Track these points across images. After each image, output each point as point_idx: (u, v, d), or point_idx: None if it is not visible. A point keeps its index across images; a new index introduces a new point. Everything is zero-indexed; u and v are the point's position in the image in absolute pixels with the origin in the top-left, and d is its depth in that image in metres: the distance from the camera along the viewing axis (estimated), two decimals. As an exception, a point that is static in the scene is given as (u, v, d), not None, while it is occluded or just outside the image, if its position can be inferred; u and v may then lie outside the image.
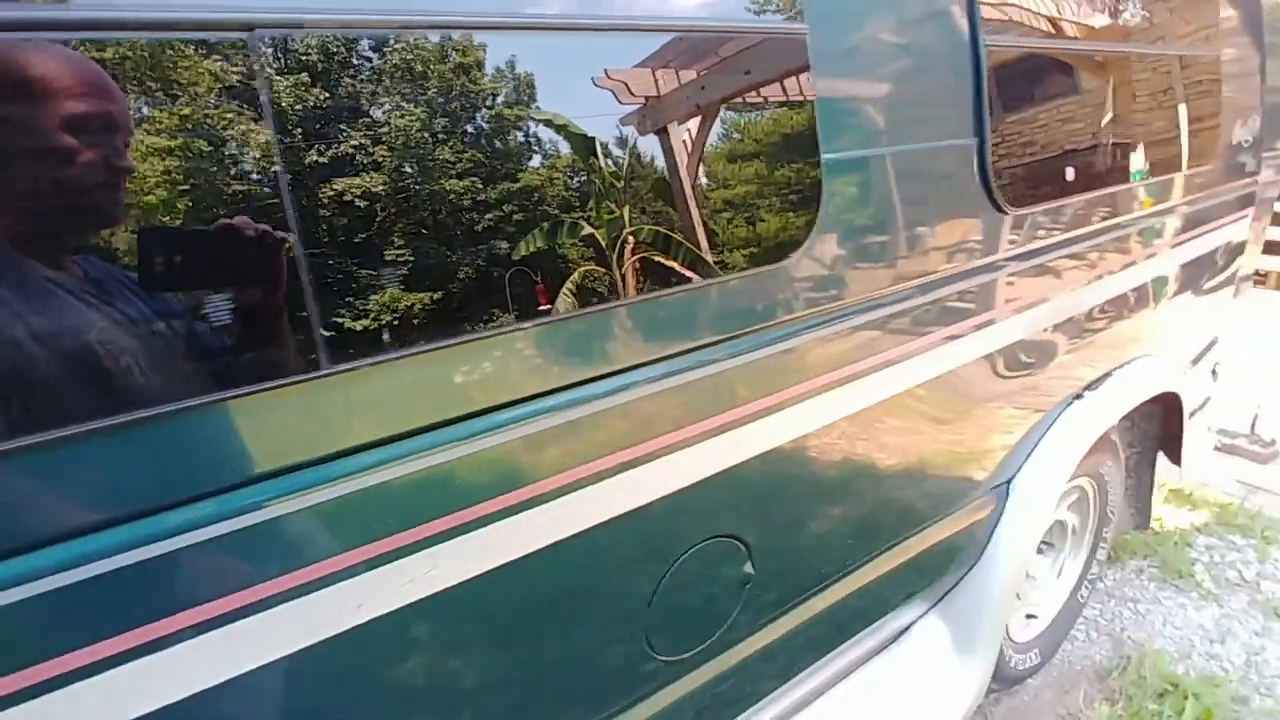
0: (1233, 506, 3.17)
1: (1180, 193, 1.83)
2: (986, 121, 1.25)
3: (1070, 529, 2.12)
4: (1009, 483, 1.59)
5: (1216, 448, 3.72)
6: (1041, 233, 1.41)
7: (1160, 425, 2.16)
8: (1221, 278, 2.28)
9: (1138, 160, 1.69)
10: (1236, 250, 2.31)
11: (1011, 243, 1.35)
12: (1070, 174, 1.48)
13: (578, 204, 0.86)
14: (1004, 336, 1.39)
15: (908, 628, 1.65)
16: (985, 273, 1.32)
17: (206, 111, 0.64)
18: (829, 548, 1.29)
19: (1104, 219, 1.57)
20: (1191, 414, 2.40)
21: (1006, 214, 1.32)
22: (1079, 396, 1.66)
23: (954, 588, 1.62)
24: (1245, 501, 3.22)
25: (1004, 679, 1.96)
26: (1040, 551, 2.15)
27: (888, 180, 1.15)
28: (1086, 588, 2.20)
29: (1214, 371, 2.57)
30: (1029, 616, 2.10)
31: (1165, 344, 1.96)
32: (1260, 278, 6.75)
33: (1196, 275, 2.05)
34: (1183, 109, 1.78)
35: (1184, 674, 2.23)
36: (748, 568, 1.12)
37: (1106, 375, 1.74)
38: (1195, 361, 2.29)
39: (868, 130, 1.12)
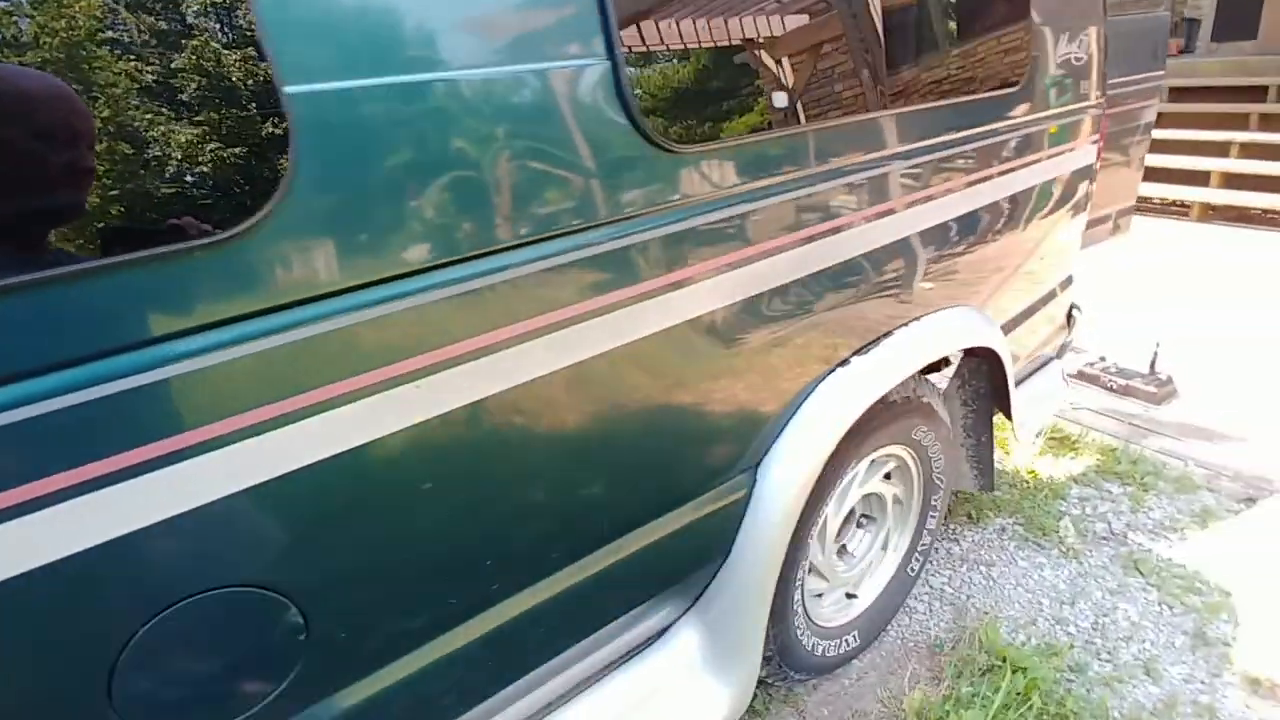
0: (1116, 452, 3.00)
1: (966, 121, 1.58)
2: (616, 37, 0.98)
3: (891, 500, 1.91)
4: (757, 466, 1.37)
5: (1112, 389, 3.55)
6: (739, 176, 1.16)
7: (990, 382, 1.95)
8: (1060, 215, 2.05)
9: (892, 83, 1.44)
10: (1075, 185, 2.07)
11: (690, 190, 1.10)
12: (783, 100, 1.23)
13: None
14: (711, 299, 1.15)
15: (664, 631, 1.45)
16: (649, 227, 1.07)
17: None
18: (535, 535, 1.08)
19: (845, 155, 1.32)
20: (1034, 367, 2.19)
21: (674, 153, 1.07)
22: (844, 363, 1.43)
23: (710, 585, 1.41)
24: (1130, 446, 3.05)
25: (809, 668, 1.77)
26: (860, 525, 1.95)
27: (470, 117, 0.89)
28: (918, 559, 2.01)
29: (1070, 316, 2.35)
30: (849, 596, 1.91)
31: (973, 295, 1.73)
32: (1183, 208, 6.55)
33: (1015, 215, 1.81)
34: (952, 20, 1.52)
35: (1024, 642, 2.07)
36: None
37: (884, 336, 1.51)
38: (1032, 310, 2.07)
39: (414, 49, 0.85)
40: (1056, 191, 1.99)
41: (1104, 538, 2.53)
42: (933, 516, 2.01)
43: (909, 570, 2.01)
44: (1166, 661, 2.03)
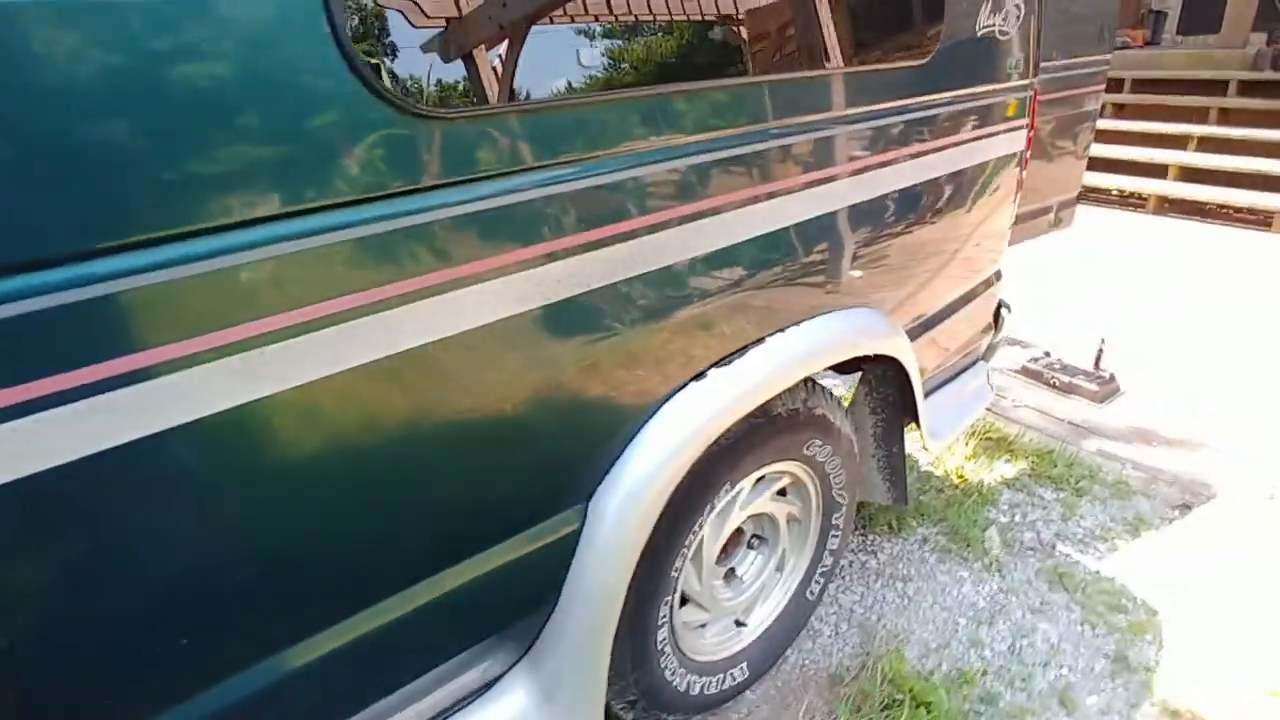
0: (1053, 454, 2.83)
1: (852, 98, 1.36)
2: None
3: (785, 520, 1.71)
4: (589, 498, 1.16)
5: (1055, 386, 3.39)
6: (532, 152, 0.94)
7: (899, 390, 1.75)
8: (980, 208, 1.84)
9: (766, 46, 1.22)
10: (998, 174, 1.86)
11: (448, 167, 0.88)
12: (597, 57, 1.01)
13: None
14: (496, 305, 0.93)
15: (493, 683, 1.24)
16: (390, 215, 0.84)
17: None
18: (318, 572, 0.90)
19: (689, 131, 1.10)
20: (955, 371, 2.00)
21: (433, 121, 0.84)
22: (699, 376, 1.22)
23: (541, 634, 1.20)
24: (1067, 448, 2.89)
25: (686, 708, 1.58)
26: (752, 547, 1.75)
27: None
28: (818, 582, 1.82)
29: (998, 315, 2.16)
30: (738, 624, 1.72)
31: (870, 296, 1.53)
32: (1140, 201, 6.42)
33: (920, 207, 1.61)
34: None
35: (933, 670, 1.89)
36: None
37: (753, 344, 1.30)
38: (948, 311, 1.87)
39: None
40: (974, 181, 1.79)
41: (1031, 549, 2.37)
42: (835, 536, 1.81)
43: (808, 594, 1.82)
44: (1084, 690, 1.87)
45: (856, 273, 1.48)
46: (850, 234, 1.43)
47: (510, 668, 1.26)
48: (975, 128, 1.72)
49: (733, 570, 1.74)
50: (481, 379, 0.98)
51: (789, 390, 1.49)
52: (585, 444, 1.16)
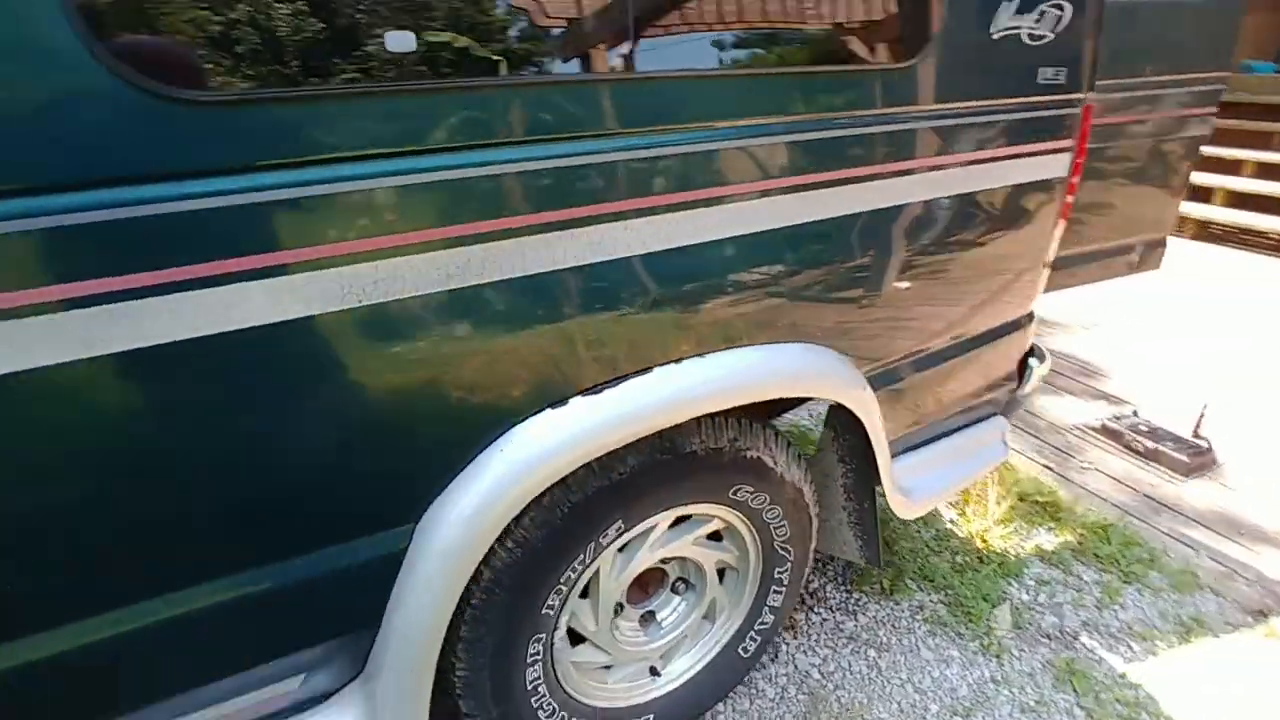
0: (1108, 529, 2.46)
1: (800, 102, 1.18)
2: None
3: (712, 568, 1.54)
4: (417, 522, 1.06)
5: (1137, 450, 2.97)
6: (296, 145, 0.84)
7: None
8: (996, 243, 1.58)
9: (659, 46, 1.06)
10: (1023, 206, 1.59)
11: (198, 155, 0.79)
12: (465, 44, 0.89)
13: None
14: (287, 302, 0.85)
15: (329, 695, 1.17)
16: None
17: None
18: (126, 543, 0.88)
19: (553, 129, 0.96)
20: (952, 426, 1.74)
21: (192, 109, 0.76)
22: (560, 403, 1.09)
23: (371, 652, 1.12)
24: (1130, 523, 2.50)
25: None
26: (677, 592, 1.59)
27: None
28: (754, 639, 1.63)
29: (1025, 365, 1.87)
30: (652, 672, 1.57)
31: (821, 330, 1.33)
32: (1259, 237, 5.58)
33: (885, 236, 1.38)
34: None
35: (879, 761, 1.66)
36: None
37: (637, 373, 1.14)
38: (943, 356, 1.62)
39: None
40: (983, 209, 1.53)
41: (1046, 636, 2.05)
42: (778, 593, 1.62)
43: (740, 650, 1.64)
44: (1056, 820, 1.58)
45: (791, 302, 1.28)
46: (781, 258, 1.24)
47: (345, 684, 1.18)
48: (987, 146, 1.47)
49: (652, 614, 1.58)
50: (293, 377, 0.90)
51: (707, 427, 1.32)
52: (414, 462, 1.05)
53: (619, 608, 1.52)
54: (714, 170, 1.11)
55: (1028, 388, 1.87)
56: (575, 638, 1.47)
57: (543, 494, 1.20)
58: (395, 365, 0.97)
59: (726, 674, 1.65)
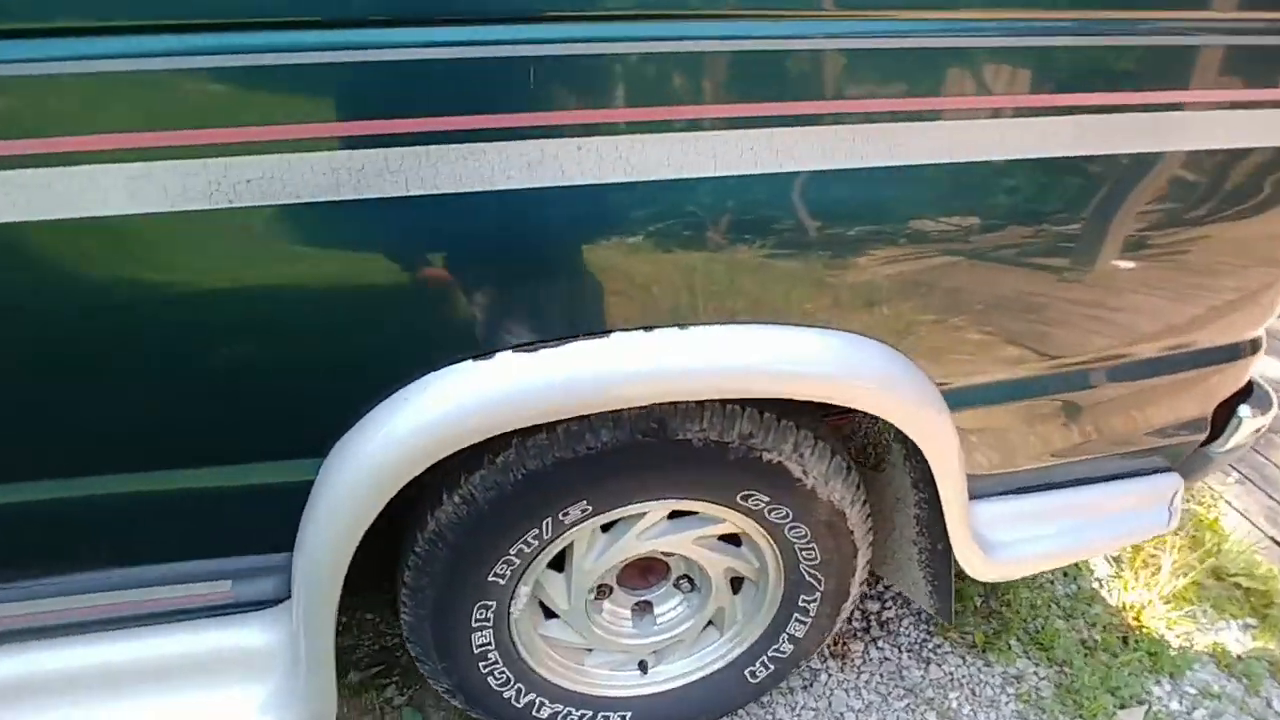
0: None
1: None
2: None
3: (721, 575, 1.32)
4: (327, 454, 0.96)
5: None
6: None
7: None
8: (1194, 226, 1.10)
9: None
10: (1241, 174, 1.09)
11: None
12: None
13: None
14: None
15: (256, 606, 1.16)
16: None
17: None
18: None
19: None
20: (1072, 475, 1.31)
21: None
22: (485, 354, 0.91)
23: (291, 574, 1.07)
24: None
25: (522, 727, 1.34)
26: (680, 589, 1.39)
27: None
28: (765, 667, 1.39)
29: (1237, 409, 1.36)
30: (641, 667, 1.40)
31: (865, 321, 1.01)
32: None
33: (996, 198, 0.99)
34: None
35: None
36: None
37: (592, 334, 0.93)
38: (1076, 382, 1.20)
39: None
40: (1256, 178, 1.06)
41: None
42: (801, 622, 1.35)
43: (747, 673, 1.40)
44: None
45: (835, 276, 0.97)
46: (822, 213, 0.93)
47: (276, 603, 1.14)
48: (1198, 84, 1.00)
49: (649, 605, 1.39)
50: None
51: (712, 415, 1.08)
52: (321, 393, 0.93)
53: (606, 590, 1.34)
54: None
55: (1230, 442, 1.35)
56: (550, 611, 1.32)
57: (495, 455, 1.05)
58: (296, 284, 0.84)
59: (725, 696, 1.43)
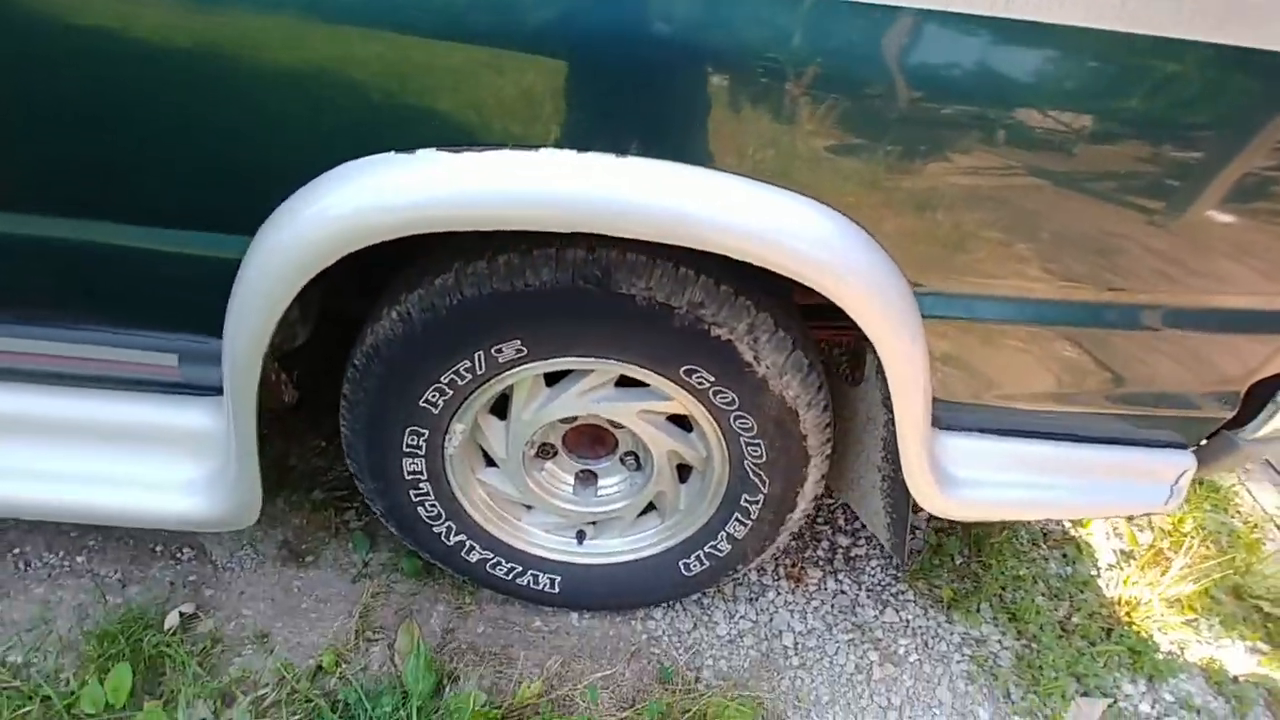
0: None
1: None
2: None
3: (665, 457, 1.26)
4: (254, 231, 0.94)
5: None
6: None
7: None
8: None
9: None
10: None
11: None
12: None
13: None
14: None
15: (201, 391, 1.18)
16: None
17: None
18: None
19: None
20: (1026, 425, 1.17)
21: None
22: (408, 149, 0.85)
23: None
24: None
25: (452, 564, 1.35)
26: (625, 464, 1.34)
27: None
28: (701, 562, 1.35)
29: (1277, 394, 1.18)
30: (579, 536, 1.38)
31: (830, 192, 0.89)
32: None
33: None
34: None
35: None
36: None
37: (530, 146, 0.86)
38: (1080, 317, 1.04)
39: None
40: None
41: (1138, 768, 1.44)
42: (740, 523, 1.28)
43: (681, 565, 1.35)
44: None
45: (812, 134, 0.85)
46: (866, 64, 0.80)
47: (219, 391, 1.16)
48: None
49: (592, 474, 1.35)
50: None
51: (661, 273, 1.00)
52: (244, 166, 0.90)
53: (550, 450, 1.31)
54: None
55: (1263, 430, 1.17)
56: (492, 461, 1.30)
57: (434, 277, 1.01)
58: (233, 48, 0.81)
59: (656, 582, 1.39)
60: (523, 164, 0.84)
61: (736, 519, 1.28)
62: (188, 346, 1.12)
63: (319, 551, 1.54)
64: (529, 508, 1.36)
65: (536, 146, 0.85)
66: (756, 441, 1.16)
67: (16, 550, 1.49)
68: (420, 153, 0.85)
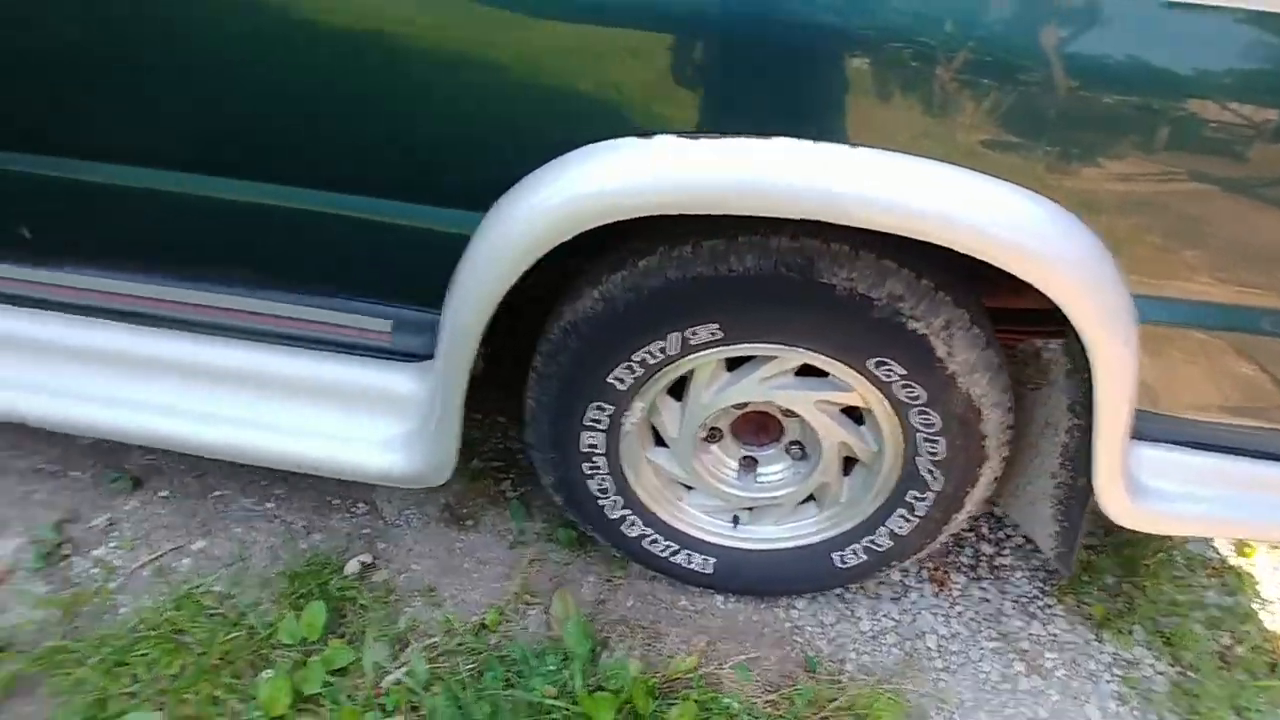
0: None
1: None
2: None
3: (834, 449, 1.27)
4: (486, 210, 1.00)
5: None
6: None
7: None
8: None
9: None
10: None
11: None
12: None
13: None
14: None
15: (411, 357, 1.27)
16: None
17: None
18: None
19: None
20: (1230, 441, 1.11)
21: None
22: (647, 134, 0.89)
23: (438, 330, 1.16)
24: None
25: (617, 541, 1.40)
26: (790, 453, 1.36)
27: None
28: (857, 555, 1.35)
29: None
30: (734, 520, 1.41)
31: (1055, 188, 0.89)
32: None
33: None
34: None
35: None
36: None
37: (766, 133, 0.88)
38: None
39: None
40: None
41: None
42: (905, 520, 1.28)
43: (836, 557, 1.36)
44: None
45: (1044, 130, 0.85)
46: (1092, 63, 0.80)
47: (424, 359, 1.24)
48: None
49: (755, 461, 1.37)
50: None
51: (865, 265, 1.01)
52: (482, 145, 0.97)
53: (718, 434, 1.34)
54: None
55: None
56: (659, 440, 1.34)
57: (639, 259, 1.05)
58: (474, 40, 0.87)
59: (809, 572, 1.40)
60: (760, 152, 0.87)
61: (901, 515, 1.27)
62: (402, 315, 1.20)
63: (478, 517, 1.62)
64: (689, 488, 1.39)
65: (769, 135, 0.87)
66: (936, 438, 1.15)
67: (216, 493, 1.62)
68: (658, 138, 0.88)
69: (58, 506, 1.59)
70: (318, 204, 1.08)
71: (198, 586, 1.43)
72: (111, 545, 1.53)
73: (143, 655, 1.32)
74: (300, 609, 1.39)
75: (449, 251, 1.07)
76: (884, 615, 1.52)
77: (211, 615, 1.39)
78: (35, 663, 1.31)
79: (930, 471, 1.20)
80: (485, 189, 0.99)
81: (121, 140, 1.06)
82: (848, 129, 0.87)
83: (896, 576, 1.59)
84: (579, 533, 1.52)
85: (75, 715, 1.22)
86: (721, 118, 0.89)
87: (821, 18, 0.82)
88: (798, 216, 0.90)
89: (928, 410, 1.13)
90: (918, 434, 1.16)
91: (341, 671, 1.31)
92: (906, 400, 1.13)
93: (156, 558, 1.50)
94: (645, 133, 0.90)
